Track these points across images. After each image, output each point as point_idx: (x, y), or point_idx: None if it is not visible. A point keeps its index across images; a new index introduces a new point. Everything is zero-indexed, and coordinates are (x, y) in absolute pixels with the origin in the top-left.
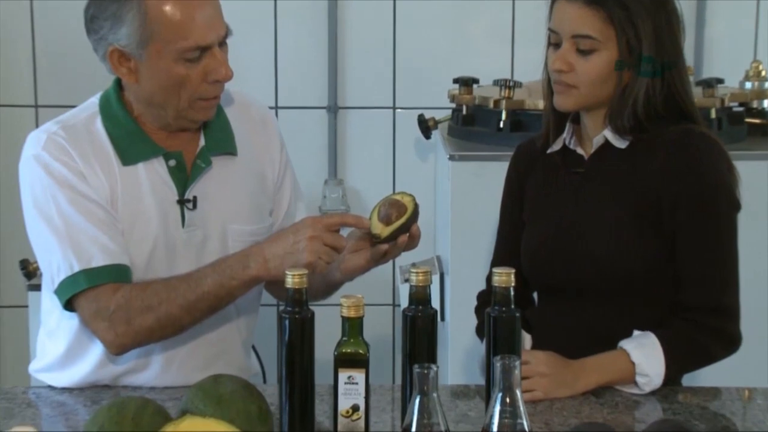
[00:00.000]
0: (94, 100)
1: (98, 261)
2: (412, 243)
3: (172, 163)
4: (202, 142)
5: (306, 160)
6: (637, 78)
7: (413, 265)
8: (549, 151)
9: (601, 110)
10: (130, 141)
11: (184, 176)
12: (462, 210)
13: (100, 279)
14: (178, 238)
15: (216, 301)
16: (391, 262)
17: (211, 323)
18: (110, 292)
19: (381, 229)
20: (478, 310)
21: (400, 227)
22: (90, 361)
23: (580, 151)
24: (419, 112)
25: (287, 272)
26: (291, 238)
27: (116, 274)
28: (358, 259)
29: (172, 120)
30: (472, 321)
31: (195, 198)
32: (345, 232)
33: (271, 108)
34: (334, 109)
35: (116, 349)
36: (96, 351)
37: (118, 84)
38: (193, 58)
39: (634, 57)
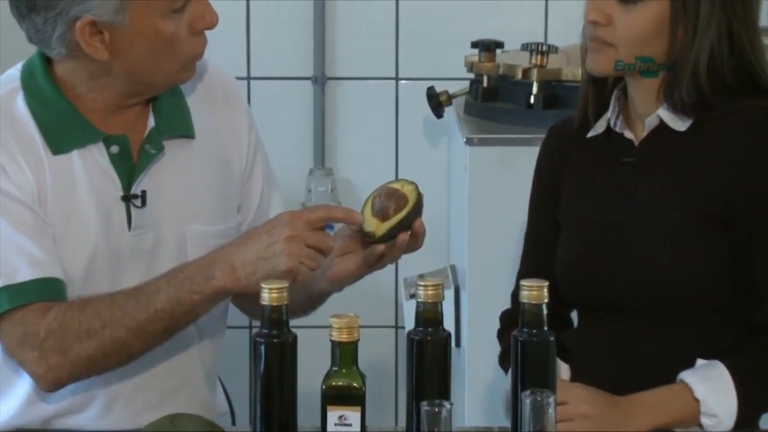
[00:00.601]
0: (14, 73)
1: (24, 275)
2: (415, 243)
3: (115, 149)
4: (151, 122)
5: (286, 145)
6: (695, 38)
7: (421, 277)
8: (590, 134)
9: (652, 81)
10: (62, 124)
11: (129, 166)
12: (482, 208)
13: (27, 297)
14: (124, 244)
15: (172, 321)
16: (392, 273)
17: (166, 350)
18: (40, 313)
19: (376, 226)
20: (502, 334)
21: (400, 223)
22: (15, 400)
23: (628, 134)
24: (428, 84)
25: (263, 285)
26: (265, 240)
27: (47, 291)
28: (347, 263)
29: (155, 90)
30: (495, 347)
31: (144, 193)
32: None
33: (240, 79)
34: (321, 80)
35: (48, 384)
36: (23, 387)
37: (43, 56)
38: (179, 7)
39: (692, 10)
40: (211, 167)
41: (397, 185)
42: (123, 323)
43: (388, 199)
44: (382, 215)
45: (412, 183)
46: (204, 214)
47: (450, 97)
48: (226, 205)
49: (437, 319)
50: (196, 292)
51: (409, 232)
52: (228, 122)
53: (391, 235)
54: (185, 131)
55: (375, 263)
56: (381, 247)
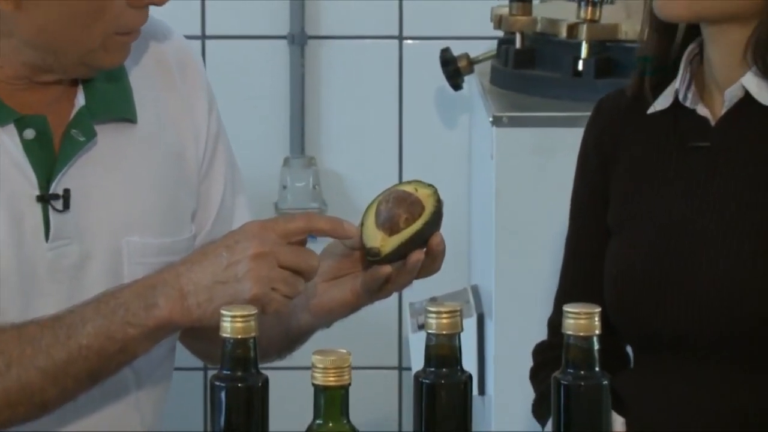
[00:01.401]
0: None
1: None
2: (432, 264)
3: (30, 134)
4: (80, 100)
5: (253, 128)
6: None
7: (432, 301)
8: (651, 110)
9: (740, 35)
10: None
11: (49, 156)
12: (514, 209)
13: None
14: (39, 259)
15: (100, 361)
16: (395, 296)
17: (92, 400)
18: None
19: (381, 241)
20: (537, 374)
21: (413, 237)
22: None
23: (702, 111)
24: (442, 44)
25: (224, 312)
26: (225, 258)
27: None
28: (339, 290)
29: (67, 68)
30: (528, 392)
31: (67, 192)
32: (318, 247)
33: (191, 39)
34: (299, 39)
35: None
36: None
37: None
38: None
39: None
40: (158, 161)
41: (409, 188)
42: (34, 363)
43: (399, 205)
44: (390, 227)
45: (430, 186)
46: (146, 223)
47: (471, 63)
48: (177, 212)
49: (454, 357)
50: (133, 324)
51: (424, 250)
52: (182, 103)
53: (400, 254)
54: (125, 113)
55: (378, 290)
56: (387, 269)
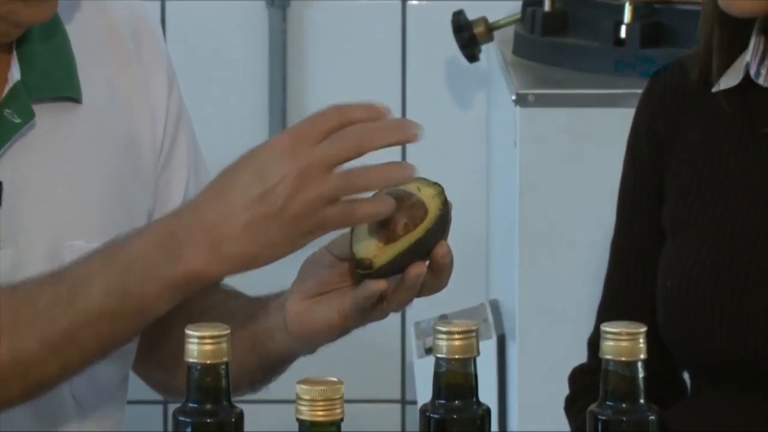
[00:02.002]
0: None
1: None
2: (437, 281)
3: None
4: (15, 74)
5: (225, 106)
6: None
7: (443, 319)
8: (715, 89)
9: None
10: None
11: None
12: (541, 207)
13: None
14: None
15: (114, 326)
16: (397, 314)
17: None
18: None
19: (375, 251)
20: (574, 404)
21: (414, 247)
22: None
23: None
24: (455, 6)
25: (189, 332)
26: (257, 183)
27: None
28: (325, 310)
29: None
30: (560, 428)
31: None
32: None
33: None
34: (280, 0)
35: None
36: None
37: None
38: None
39: None
40: (108, 149)
41: (409, 186)
42: (31, 329)
43: (397, 208)
44: (387, 234)
45: (435, 184)
46: (93, 223)
47: (490, 29)
48: (130, 210)
49: (469, 387)
50: (155, 279)
51: (427, 263)
52: (137, 80)
53: (398, 266)
54: (68, 91)
55: (371, 310)
56: (381, 285)
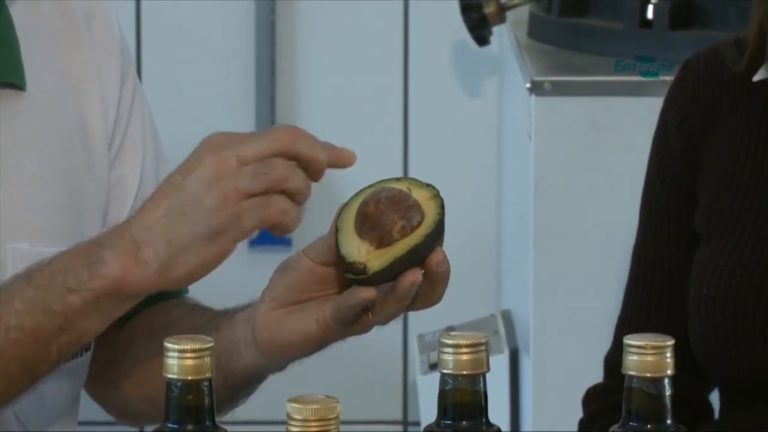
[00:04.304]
0: None
1: None
2: (431, 293)
3: None
4: None
5: (210, 98)
6: None
7: (449, 332)
8: (758, 77)
9: None
10: None
11: None
12: (557, 206)
13: None
14: None
15: (37, 346)
16: (399, 326)
17: None
18: None
19: (367, 254)
20: (590, 427)
21: (410, 253)
22: None
23: None
24: None
25: (169, 345)
26: (177, 177)
27: None
28: (300, 320)
29: None
30: None
31: None
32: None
33: None
34: None
35: None
36: None
37: None
38: None
39: None
40: (55, 141)
41: (401, 185)
42: None
43: (392, 209)
44: (380, 236)
45: (429, 186)
46: (38, 224)
47: (502, 9)
48: (80, 208)
49: (478, 406)
50: (74, 289)
51: (422, 272)
52: (88, 66)
53: (392, 274)
54: (11, 77)
55: (355, 322)
56: (370, 293)
